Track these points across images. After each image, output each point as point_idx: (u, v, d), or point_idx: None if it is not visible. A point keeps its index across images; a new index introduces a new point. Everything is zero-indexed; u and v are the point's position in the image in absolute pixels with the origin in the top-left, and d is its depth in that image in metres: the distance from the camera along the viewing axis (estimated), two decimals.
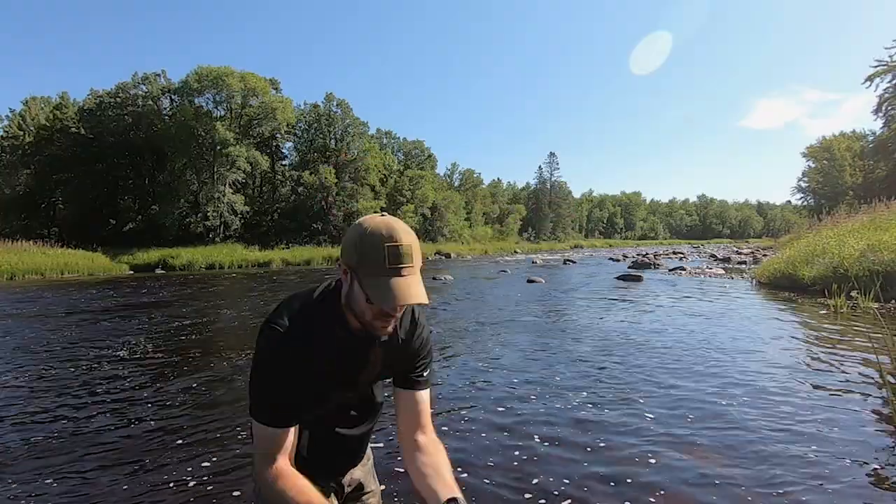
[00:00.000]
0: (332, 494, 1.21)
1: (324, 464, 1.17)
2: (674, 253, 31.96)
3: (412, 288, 0.91)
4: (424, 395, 1.15)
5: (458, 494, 0.97)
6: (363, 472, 1.32)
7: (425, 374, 1.15)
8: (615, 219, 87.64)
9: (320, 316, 1.02)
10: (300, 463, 1.05)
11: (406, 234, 0.93)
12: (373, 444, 1.43)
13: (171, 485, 2.53)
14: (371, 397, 1.20)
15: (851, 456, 2.70)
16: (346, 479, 1.27)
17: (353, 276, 0.96)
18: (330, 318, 1.03)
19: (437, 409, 3.61)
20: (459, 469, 2.62)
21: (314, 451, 1.13)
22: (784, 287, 10.45)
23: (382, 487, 2.14)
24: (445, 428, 3.23)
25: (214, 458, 2.83)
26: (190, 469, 2.70)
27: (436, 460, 1.06)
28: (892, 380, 3.74)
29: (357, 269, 0.94)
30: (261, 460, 0.99)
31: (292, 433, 1.01)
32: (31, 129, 32.08)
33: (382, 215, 0.96)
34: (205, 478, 2.60)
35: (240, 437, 3.13)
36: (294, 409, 1.01)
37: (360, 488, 1.31)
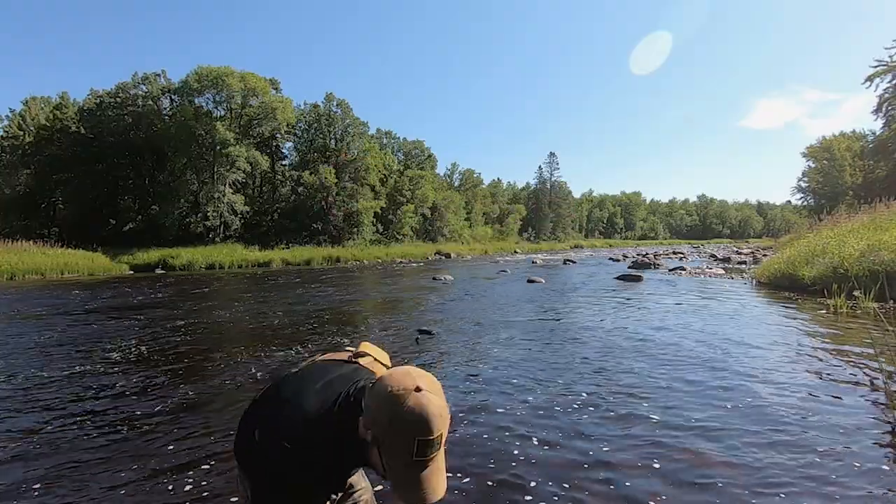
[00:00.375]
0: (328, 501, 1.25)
1: None
2: (674, 253, 31.94)
3: (434, 478, 0.91)
4: None
5: None
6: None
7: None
8: (615, 219, 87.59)
9: (342, 436, 1.00)
10: None
11: (439, 421, 0.90)
12: None
13: (170, 487, 2.53)
14: None
15: (851, 455, 2.70)
16: None
17: (375, 444, 0.93)
18: (349, 437, 1.00)
19: None
20: (459, 474, 2.61)
21: None
22: (784, 287, 10.45)
23: (379, 488, 2.13)
24: None
25: (212, 462, 2.82)
26: (190, 472, 2.70)
27: None
28: (892, 375, 3.74)
29: (382, 446, 0.92)
30: None
31: None
32: (31, 129, 32.09)
33: (418, 390, 0.91)
34: (203, 482, 2.59)
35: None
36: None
37: (350, 487, 1.37)
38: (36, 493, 2.49)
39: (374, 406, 0.92)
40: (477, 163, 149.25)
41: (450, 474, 2.58)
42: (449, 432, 2.90)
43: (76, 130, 30.81)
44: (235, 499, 2.39)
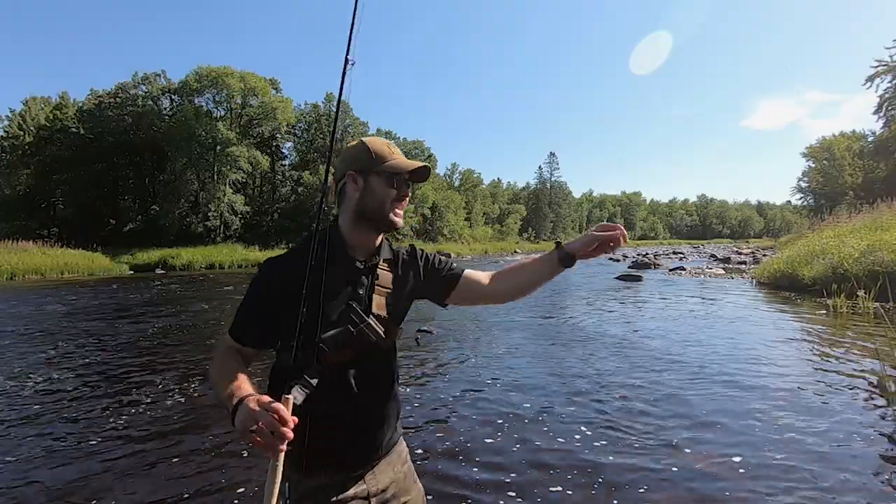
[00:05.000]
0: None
1: (338, 431, 1.04)
2: (674, 253, 31.95)
3: (416, 162, 1.11)
4: (468, 272, 1.24)
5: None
6: (394, 473, 1.14)
7: (453, 267, 1.24)
8: (615, 219, 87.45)
9: (313, 239, 1.03)
10: (318, 431, 0.97)
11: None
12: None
13: (166, 492, 2.53)
14: (382, 354, 1.11)
15: (851, 452, 2.70)
16: (376, 484, 1.10)
17: (366, 175, 1.09)
18: (325, 239, 1.04)
19: (435, 411, 3.61)
20: (457, 469, 2.61)
21: (327, 413, 1.01)
22: (784, 287, 10.45)
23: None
24: (440, 435, 3.22)
25: (208, 463, 2.82)
26: (186, 476, 2.70)
27: (509, 268, 1.25)
28: (891, 375, 3.74)
29: (371, 165, 1.09)
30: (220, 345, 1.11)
31: (247, 355, 1.08)
32: (31, 129, 32.05)
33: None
34: (204, 487, 2.60)
35: (233, 434, 3.13)
36: (261, 325, 1.06)
37: (396, 496, 1.14)
38: (35, 491, 2.49)
39: (352, 153, 1.12)
40: (477, 163, 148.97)
41: (448, 471, 2.58)
42: (444, 437, 2.88)
43: (76, 130, 30.79)
44: (241, 489, 2.40)
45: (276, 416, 0.81)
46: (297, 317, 0.97)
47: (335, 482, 1.05)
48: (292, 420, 0.83)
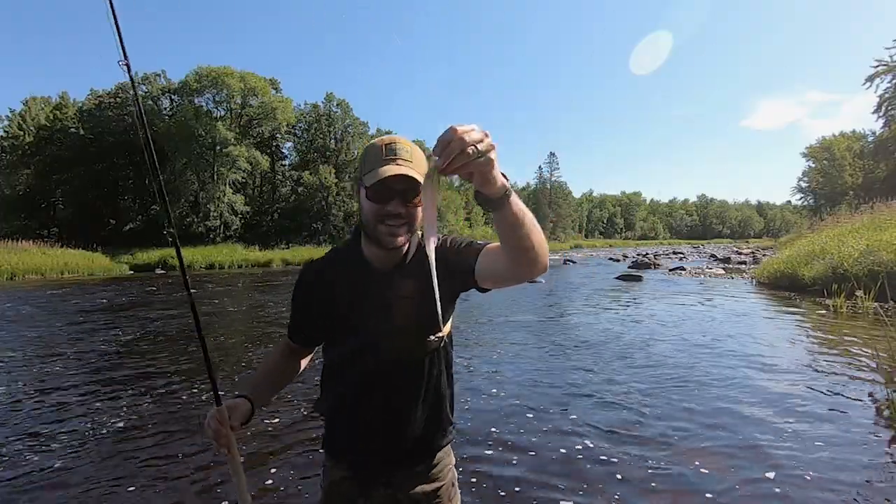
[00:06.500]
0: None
1: (359, 430, 1.06)
2: (674, 253, 31.97)
3: (402, 168, 0.90)
4: (490, 244, 0.98)
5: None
6: (428, 485, 1.10)
7: (475, 243, 1.01)
8: (615, 219, 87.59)
9: (342, 249, 1.11)
10: (345, 425, 1.08)
11: (405, 141, 0.96)
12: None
13: (167, 492, 2.53)
14: (411, 364, 1.04)
15: (851, 454, 2.70)
16: (402, 489, 1.09)
17: (360, 187, 0.98)
18: (349, 249, 1.07)
19: None
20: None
21: (352, 413, 1.06)
22: (784, 287, 10.45)
23: None
24: None
25: (203, 464, 2.83)
26: (184, 478, 2.70)
27: None
28: (892, 374, 3.74)
29: (362, 175, 0.97)
30: None
31: (302, 353, 1.20)
32: (31, 129, 32.06)
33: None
34: (189, 481, 2.60)
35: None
36: (308, 327, 1.13)
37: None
38: (35, 489, 2.49)
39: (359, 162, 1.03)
40: None
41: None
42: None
43: (76, 130, 30.81)
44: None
45: (217, 425, 0.99)
46: (323, 322, 1.08)
47: (359, 477, 1.08)
48: (225, 428, 0.99)
